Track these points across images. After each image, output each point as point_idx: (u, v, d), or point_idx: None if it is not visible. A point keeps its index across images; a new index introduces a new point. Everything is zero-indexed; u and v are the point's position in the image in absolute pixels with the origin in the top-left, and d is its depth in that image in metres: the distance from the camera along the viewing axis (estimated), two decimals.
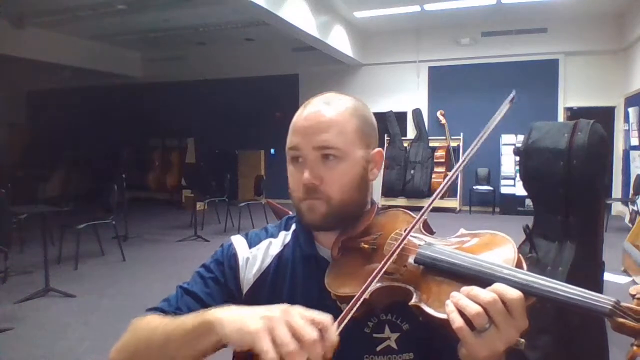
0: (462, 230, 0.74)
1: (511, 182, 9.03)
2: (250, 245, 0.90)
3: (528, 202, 8.02)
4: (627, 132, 8.20)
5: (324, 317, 0.59)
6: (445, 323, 0.59)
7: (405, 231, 0.72)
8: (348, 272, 0.75)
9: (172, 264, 5.56)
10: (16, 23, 8.43)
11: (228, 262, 0.87)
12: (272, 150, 10.65)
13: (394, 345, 0.78)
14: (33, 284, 4.47)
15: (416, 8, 8.41)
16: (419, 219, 0.73)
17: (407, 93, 10.11)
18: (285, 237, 0.92)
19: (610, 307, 0.55)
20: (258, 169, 10.57)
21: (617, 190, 8.75)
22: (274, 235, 0.92)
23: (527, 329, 0.59)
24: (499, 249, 0.65)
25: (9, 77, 10.81)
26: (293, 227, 0.92)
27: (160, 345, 0.70)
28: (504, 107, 0.75)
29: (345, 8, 8.58)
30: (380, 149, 0.87)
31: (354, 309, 0.65)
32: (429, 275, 0.66)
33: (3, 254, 4.62)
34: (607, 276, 3.99)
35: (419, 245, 0.70)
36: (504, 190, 9.13)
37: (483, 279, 0.60)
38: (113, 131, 11.69)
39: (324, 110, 0.81)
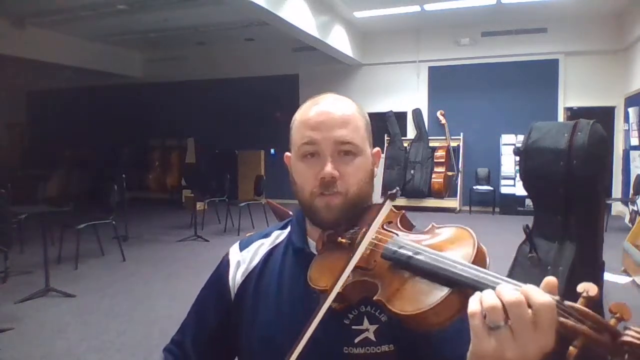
0: (432, 224, 0.74)
1: (511, 182, 9.03)
2: (242, 248, 0.94)
3: (528, 202, 8.03)
4: (627, 132, 8.19)
5: None
6: (405, 320, 0.60)
7: (380, 227, 0.75)
8: (327, 266, 0.76)
9: (172, 264, 5.57)
10: (16, 23, 8.43)
11: (222, 272, 0.93)
12: (272, 150, 10.65)
13: (372, 337, 0.77)
14: (33, 284, 4.46)
15: (416, 8, 8.41)
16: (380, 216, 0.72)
17: (407, 93, 10.11)
18: (278, 236, 0.94)
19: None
20: (258, 169, 10.57)
21: (617, 190, 8.75)
22: (267, 236, 0.95)
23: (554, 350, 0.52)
24: (460, 244, 0.66)
25: (9, 77, 10.82)
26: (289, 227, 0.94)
27: None
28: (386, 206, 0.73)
29: (345, 8, 8.58)
30: (378, 148, 0.91)
31: (325, 307, 0.67)
32: (395, 270, 0.67)
33: (3, 254, 4.62)
34: (607, 276, 3.99)
35: (388, 240, 0.71)
36: (504, 190, 9.13)
37: (440, 275, 0.61)
38: (113, 131, 11.69)
39: (335, 108, 0.83)
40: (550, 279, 0.53)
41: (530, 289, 0.52)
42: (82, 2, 7.77)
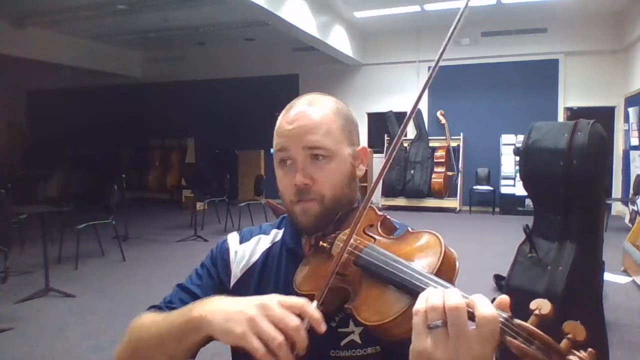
0: (407, 229, 0.75)
1: (511, 182, 9.03)
2: (242, 241, 0.93)
3: (528, 202, 8.03)
4: (627, 132, 8.20)
5: (299, 301, 0.63)
6: (371, 329, 0.61)
7: (361, 231, 0.75)
8: (310, 270, 0.76)
9: (172, 263, 5.56)
10: (16, 23, 8.43)
11: (221, 256, 0.91)
12: (272, 150, 10.63)
13: (357, 340, 0.77)
14: (33, 284, 4.47)
15: (416, 8, 8.42)
16: (358, 220, 0.70)
17: (407, 93, 10.09)
18: (276, 234, 0.94)
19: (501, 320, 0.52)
20: (258, 169, 10.56)
21: (617, 190, 8.76)
22: (266, 233, 0.95)
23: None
24: (427, 253, 0.66)
25: (9, 77, 10.82)
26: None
27: (155, 344, 0.73)
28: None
29: (345, 8, 8.58)
30: (364, 145, 0.89)
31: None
32: (366, 278, 0.67)
33: (3, 254, 4.62)
34: (607, 276, 4.00)
35: (364, 247, 0.70)
36: (504, 190, 9.12)
37: (402, 285, 0.61)
38: (113, 131, 11.69)
39: (308, 111, 0.83)
40: (504, 298, 0.54)
41: (478, 299, 0.52)
42: (82, 2, 7.77)
